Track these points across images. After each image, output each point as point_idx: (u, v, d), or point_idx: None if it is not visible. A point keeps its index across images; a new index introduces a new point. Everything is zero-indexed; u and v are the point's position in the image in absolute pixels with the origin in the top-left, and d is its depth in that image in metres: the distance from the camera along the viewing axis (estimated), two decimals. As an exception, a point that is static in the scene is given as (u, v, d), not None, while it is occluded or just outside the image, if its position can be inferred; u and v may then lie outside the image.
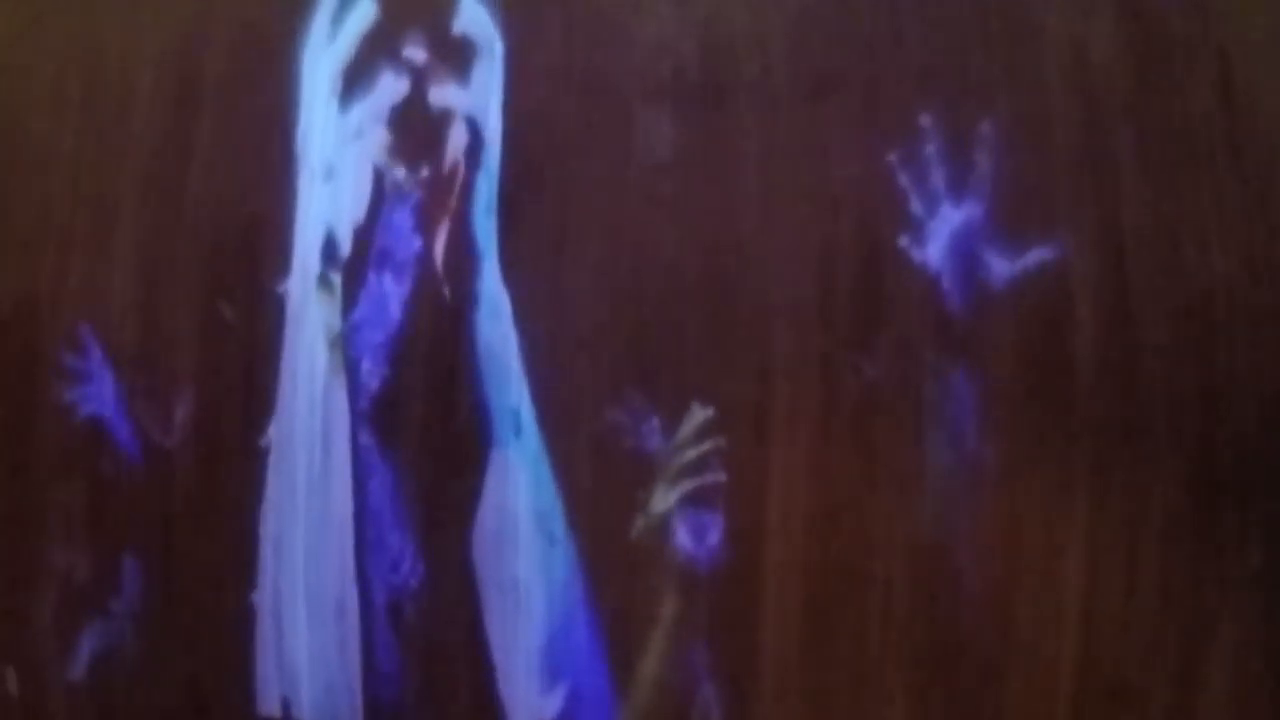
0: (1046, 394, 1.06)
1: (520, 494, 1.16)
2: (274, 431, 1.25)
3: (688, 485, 1.11)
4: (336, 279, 1.23)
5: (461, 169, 1.19)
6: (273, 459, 1.25)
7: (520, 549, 1.16)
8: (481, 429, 1.17)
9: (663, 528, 1.13)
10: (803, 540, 1.10)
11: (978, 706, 1.06)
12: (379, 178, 1.22)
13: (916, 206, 1.08)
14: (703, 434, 1.11)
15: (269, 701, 1.27)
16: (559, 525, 1.15)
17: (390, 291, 1.20)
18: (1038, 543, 1.05)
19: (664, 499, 1.12)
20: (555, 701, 1.15)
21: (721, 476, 1.11)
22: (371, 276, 1.22)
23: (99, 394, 1.32)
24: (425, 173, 1.21)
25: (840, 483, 1.09)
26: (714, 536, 1.12)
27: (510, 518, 1.16)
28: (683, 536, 1.12)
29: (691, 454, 1.11)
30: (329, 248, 1.24)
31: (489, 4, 1.19)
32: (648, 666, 1.13)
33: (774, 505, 1.10)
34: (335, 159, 1.23)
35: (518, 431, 1.15)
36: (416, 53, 1.21)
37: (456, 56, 1.20)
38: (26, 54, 1.36)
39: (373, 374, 1.21)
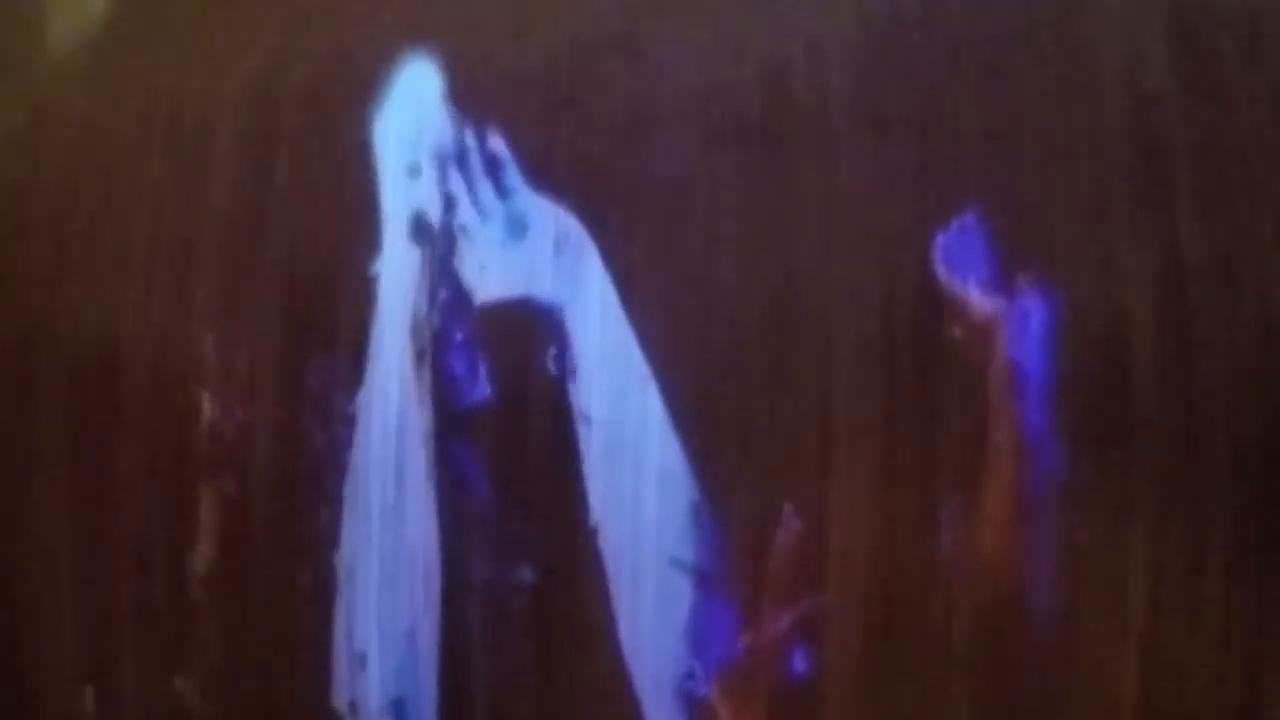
0: (1107, 423, 1.07)
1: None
2: (349, 466, 1.28)
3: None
4: (421, 308, 1.26)
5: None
6: (347, 489, 1.28)
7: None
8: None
9: None
10: (864, 570, 1.11)
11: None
12: (448, 220, 1.25)
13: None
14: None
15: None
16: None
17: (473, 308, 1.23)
18: (1099, 570, 1.06)
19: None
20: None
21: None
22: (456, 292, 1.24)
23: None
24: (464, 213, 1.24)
25: (902, 513, 1.11)
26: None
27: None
28: None
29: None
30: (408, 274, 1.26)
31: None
32: None
33: (836, 535, 1.12)
34: (411, 201, 1.26)
35: None
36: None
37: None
38: (111, 100, 1.40)
39: (466, 388, 1.23)
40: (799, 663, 1.12)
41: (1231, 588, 1.04)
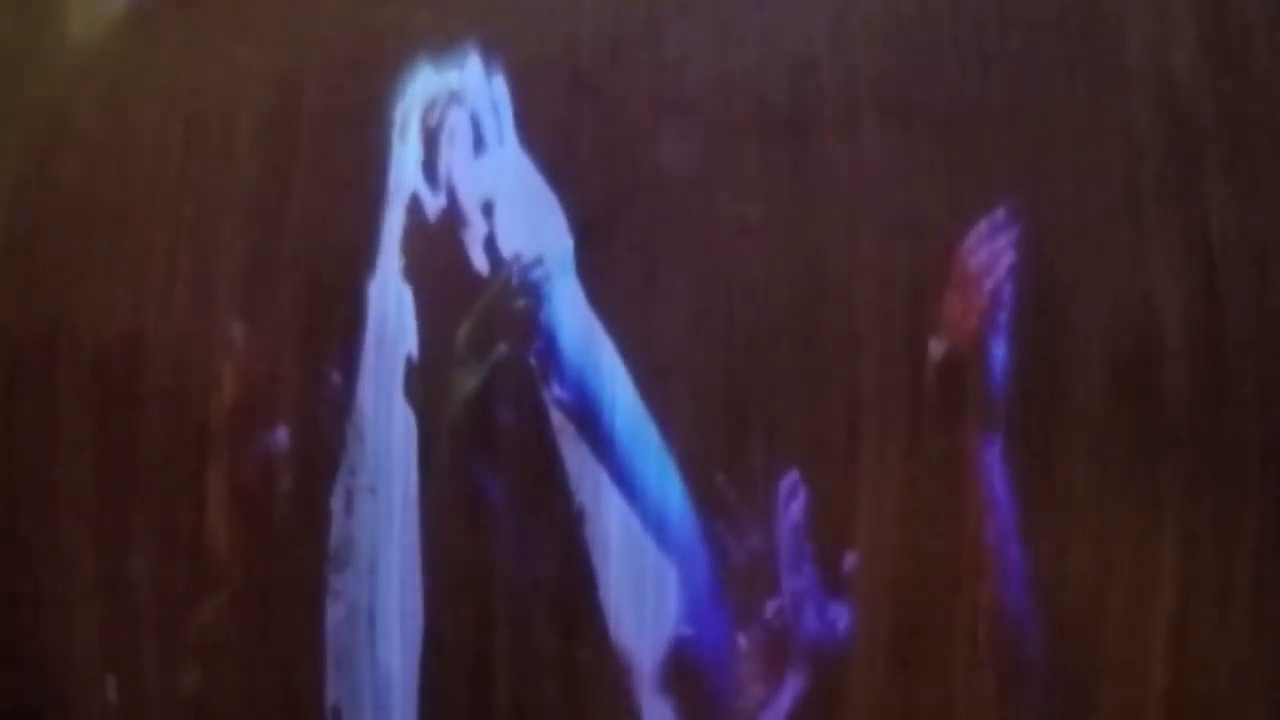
0: (1136, 416, 1.06)
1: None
2: (366, 455, 1.28)
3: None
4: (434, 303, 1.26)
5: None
6: (369, 482, 1.28)
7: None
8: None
9: None
10: (891, 567, 1.11)
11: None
12: (462, 214, 1.25)
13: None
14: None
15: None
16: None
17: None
18: (1127, 568, 1.05)
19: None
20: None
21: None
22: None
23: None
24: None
25: (928, 509, 1.10)
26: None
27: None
28: None
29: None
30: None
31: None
32: None
33: (862, 532, 1.11)
34: (425, 194, 1.26)
35: None
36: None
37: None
38: (133, 95, 1.41)
39: (481, 392, 1.23)
40: (825, 631, 1.12)
41: (1262, 578, 1.03)
